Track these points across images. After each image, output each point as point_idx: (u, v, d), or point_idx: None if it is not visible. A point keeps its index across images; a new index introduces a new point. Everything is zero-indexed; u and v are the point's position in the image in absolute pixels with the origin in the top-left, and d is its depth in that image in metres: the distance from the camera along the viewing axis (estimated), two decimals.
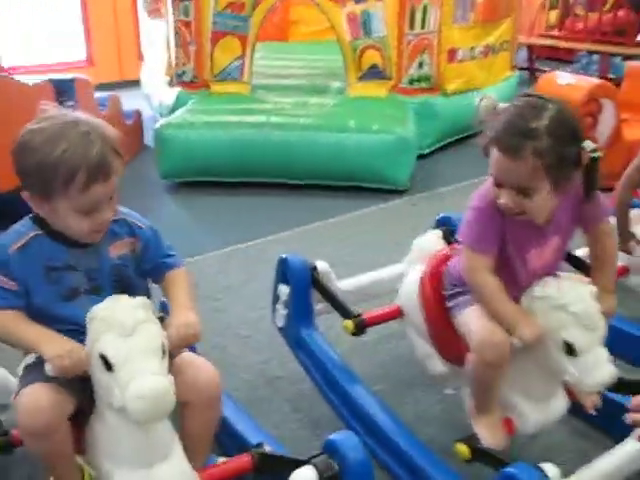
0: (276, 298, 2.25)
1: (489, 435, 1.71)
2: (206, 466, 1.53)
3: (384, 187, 4.18)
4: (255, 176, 4.28)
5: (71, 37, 7.56)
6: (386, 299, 2.24)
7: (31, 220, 1.48)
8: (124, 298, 1.40)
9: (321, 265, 2.20)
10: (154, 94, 5.56)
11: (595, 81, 4.04)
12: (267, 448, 1.58)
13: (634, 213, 2.66)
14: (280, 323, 2.25)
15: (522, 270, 1.72)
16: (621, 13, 7.62)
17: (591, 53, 7.68)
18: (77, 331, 1.40)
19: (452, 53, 4.91)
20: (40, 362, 1.41)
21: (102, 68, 7.17)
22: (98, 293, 1.47)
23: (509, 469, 1.48)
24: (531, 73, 7.77)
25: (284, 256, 2.22)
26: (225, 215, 3.93)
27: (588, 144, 1.61)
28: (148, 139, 5.01)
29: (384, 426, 1.89)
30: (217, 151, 4.21)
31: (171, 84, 5.14)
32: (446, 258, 1.97)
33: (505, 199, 1.60)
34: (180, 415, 1.52)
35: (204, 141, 4.21)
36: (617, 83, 4.62)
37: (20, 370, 1.51)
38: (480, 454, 1.68)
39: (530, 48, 8.18)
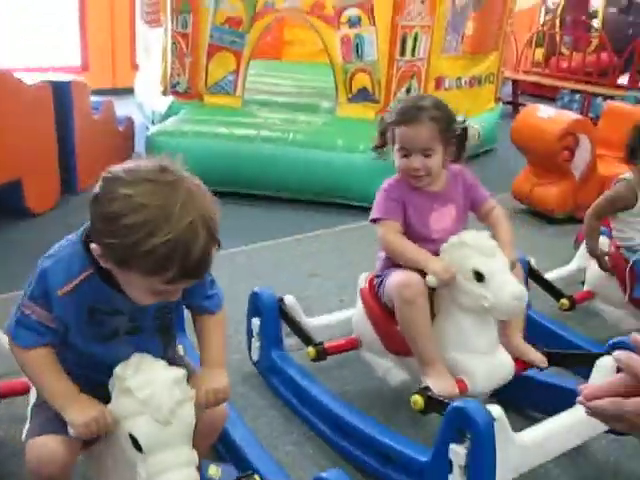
0: (250, 333, 2.41)
1: (438, 383, 1.88)
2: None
3: (368, 205, 4.29)
4: (243, 187, 4.39)
5: (67, 42, 7.67)
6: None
7: (85, 251, 1.31)
8: (160, 370, 1.32)
9: (288, 298, 2.37)
10: (147, 102, 5.67)
11: (574, 116, 4.22)
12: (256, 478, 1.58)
13: (601, 242, 2.82)
14: (255, 357, 2.40)
15: (425, 232, 2.04)
16: (604, 55, 7.90)
17: (574, 92, 7.92)
18: (110, 369, 1.34)
19: (439, 81, 5.08)
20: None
21: (96, 74, 7.27)
22: (136, 333, 1.43)
23: (457, 404, 1.63)
24: (514, 107, 7.99)
25: (255, 290, 2.39)
26: None
27: (460, 117, 2.08)
28: (138, 146, 5.11)
29: (359, 425, 1.98)
30: (206, 160, 4.30)
31: (165, 93, 5.24)
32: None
33: (415, 162, 2.00)
34: None
35: (194, 150, 4.31)
36: (596, 122, 4.81)
37: (34, 390, 1.51)
38: (434, 403, 1.82)
39: (515, 83, 8.42)
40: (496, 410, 1.64)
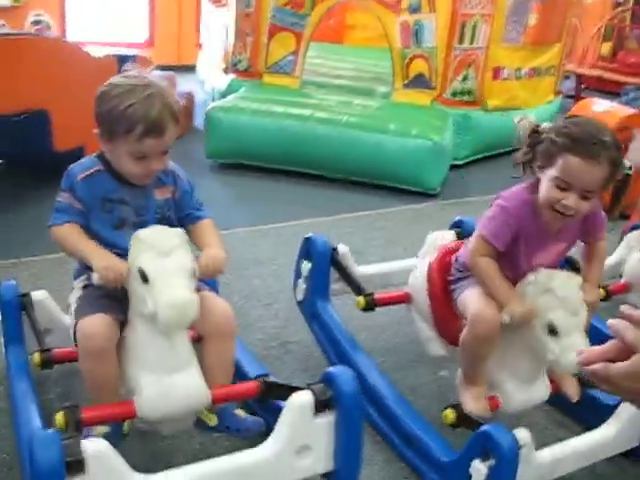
0: (298, 274, 2.45)
1: (474, 404, 1.89)
2: (217, 386, 1.70)
3: (417, 189, 4.38)
4: (296, 165, 4.50)
5: (136, 19, 7.90)
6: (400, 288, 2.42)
7: (97, 157, 1.76)
8: (164, 227, 1.65)
9: (341, 247, 2.41)
10: (208, 79, 5.83)
11: (628, 110, 4.17)
12: (272, 377, 1.79)
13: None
14: (300, 297, 2.45)
15: (524, 267, 1.91)
16: None
17: (639, 88, 7.74)
18: (121, 255, 1.65)
19: (497, 71, 5.07)
20: (89, 295, 1.70)
21: (161, 50, 7.47)
22: (143, 226, 1.69)
23: (486, 428, 1.66)
24: (576, 101, 7.86)
25: (309, 235, 2.43)
26: (262, 197, 4.16)
27: (625, 162, 1.84)
28: (198, 121, 5.26)
29: (382, 394, 2.06)
30: (262, 138, 4.45)
31: (226, 71, 5.38)
32: (454, 249, 2.16)
33: (571, 201, 1.76)
34: (199, 351, 1.72)
35: (251, 127, 4.45)
36: None
37: (72, 301, 1.77)
38: (465, 420, 1.85)
39: (579, 77, 8.28)
40: (523, 437, 1.66)
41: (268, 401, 1.82)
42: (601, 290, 2.66)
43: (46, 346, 1.97)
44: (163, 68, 5.91)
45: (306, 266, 2.40)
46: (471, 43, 4.71)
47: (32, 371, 2.01)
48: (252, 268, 3.12)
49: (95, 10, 7.65)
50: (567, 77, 8.35)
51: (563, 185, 1.76)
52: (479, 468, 1.64)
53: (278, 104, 4.59)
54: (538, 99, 5.71)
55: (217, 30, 5.76)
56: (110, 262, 1.62)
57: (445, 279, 2.11)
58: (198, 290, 1.63)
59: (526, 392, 1.94)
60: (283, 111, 4.52)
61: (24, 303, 2.10)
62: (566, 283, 1.81)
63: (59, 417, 1.56)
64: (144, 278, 1.54)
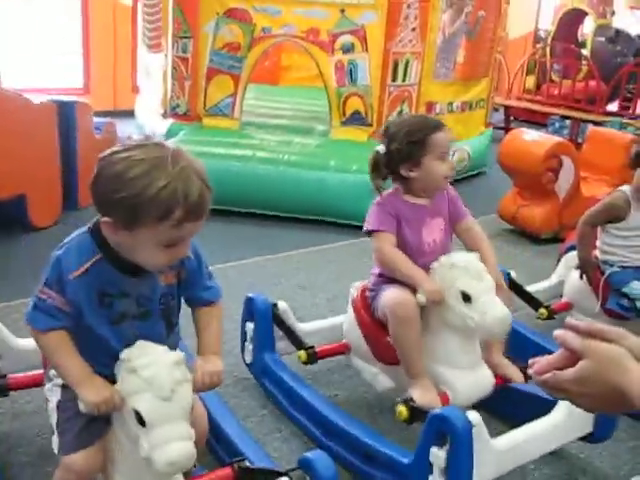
0: (244, 336, 2.52)
1: (422, 395, 2.00)
2: (192, 476, 1.67)
3: (359, 224, 4.44)
4: (238, 206, 4.54)
5: (70, 65, 7.87)
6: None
7: (93, 239, 1.47)
8: (162, 353, 1.45)
9: (281, 304, 2.50)
10: (147, 124, 5.84)
11: (556, 139, 4.39)
12: (247, 462, 1.72)
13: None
14: (248, 359, 2.52)
15: (418, 245, 2.15)
16: (593, 83, 8.12)
17: (564, 118, 8.12)
18: (117, 353, 1.47)
19: (430, 106, 5.26)
20: (71, 412, 1.52)
21: (98, 96, 7.44)
22: (145, 319, 1.54)
23: (437, 411, 1.75)
24: (506, 132, 8.14)
25: (250, 295, 2.51)
26: (207, 238, 4.11)
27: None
28: None
29: (344, 426, 2.09)
30: None
31: (165, 115, 5.41)
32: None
33: (451, 162, 2.19)
34: None
35: None
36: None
37: (53, 402, 1.59)
38: (418, 413, 1.94)
39: (507, 109, 8.63)
40: (474, 416, 1.75)
41: None
42: (544, 310, 2.79)
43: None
44: (100, 114, 5.91)
45: (250, 326, 2.48)
46: (404, 80, 4.89)
47: None
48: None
49: (29, 57, 7.59)
50: (496, 109, 8.68)
51: (442, 156, 2.12)
52: (437, 454, 1.72)
53: (219, 146, 4.64)
54: (470, 131, 5.94)
55: (155, 75, 5.80)
56: (102, 396, 1.42)
57: (368, 305, 2.26)
58: None
59: (469, 377, 2.05)
60: (224, 152, 4.57)
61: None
62: (464, 255, 2.07)
63: None
64: (140, 421, 1.39)
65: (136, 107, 6.63)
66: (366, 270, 2.50)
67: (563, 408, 2.01)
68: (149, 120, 5.81)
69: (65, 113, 4.15)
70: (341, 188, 4.39)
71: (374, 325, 2.21)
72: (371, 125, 4.97)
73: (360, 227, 4.30)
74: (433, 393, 2.02)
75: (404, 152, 2.13)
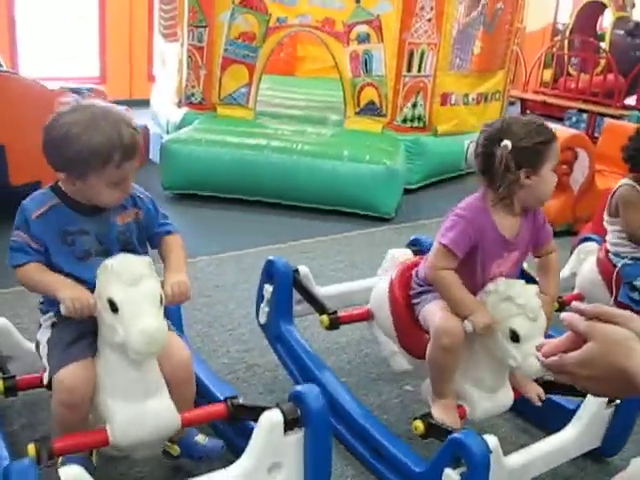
0: (261, 297, 2.48)
1: (444, 416, 1.93)
2: (187, 409, 1.74)
3: (372, 214, 4.47)
4: (252, 194, 4.55)
5: (87, 54, 7.91)
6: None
7: (51, 190, 1.73)
8: (131, 255, 1.66)
9: (302, 268, 2.46)
10: (162, 113, 5.86)
11: (571, 131, 4.36)
12: (240, 399, 1.82)
13: (590, 247, 2.96)
14: (262, 320, 2.47)
15: (481, 276, 1.98)
16: (611, 76, 8.03)
17: (581, 112, 8.06)
18: (88, 289, 1.64)
19: (445, 97, 5.24)
20: (59, 337, 1.69)
21: (114, 85, 7.47)
22: (107, 255, 1.69)
23: (456, 435, 1.72)
24: None
25: (270, 258, 2.47)
26: (220, 227, 4.19)
27: None
28: (153, 154, 5.29)
29: (350, 410, 2.11)
30: (217, 168, 4.49)
31: (179, 104, 5.43)
32: (414, 264, 2.23)
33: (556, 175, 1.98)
34: None
35: (206, 158, 4.49)
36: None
37: (43, 341, 1.74)
38: (434, 430, 1.90)
39: (523, 103, 8.57)
40: (492, 441, 1.72)
41: (237, 422, 1.85)
42: (555, 302, 2.76)
43: (9, 373, 1.96)
44: (116, 103, 5.93)
45: (268, 289, 2.43)
46: (419, 71, 4.87)
47: None
48: (214, 295, 3.15)
49: (47, 47, 7.63)
50: (512, 103, 8.63)
51: (555, 170, 1.96)
52: (451, 476, 1.68)
53: (233, 135, 4.65)
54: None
55: (170, 64, 5.81)
56: (77, 293, 1.60)
57: (406, 294, 2.17)
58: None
59: (491, 400, 2.00)
60: (238, 141, 4.58)
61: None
62: (524, 290, 1.89)
63: (31, 448, 1.56)
64: (113, 308, 1.55)
65: (151, 96, 6.65)
66: (378, 260, 2.51)
67: (578, 425, 2.03)
68: (164, 109, 5.83)
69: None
70: (354, 178, 4.39)
71: (411, 321, 2.13)
72: (385, 115, 4.97)
73: (373, 217, 4.41)
74: (454, 415, 1.96)
75: (530, 153, 1.89)
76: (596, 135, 6.77)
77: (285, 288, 2.41)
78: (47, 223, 1.68)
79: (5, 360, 2.05)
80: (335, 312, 2.33)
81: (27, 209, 1.69)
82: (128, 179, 1.71)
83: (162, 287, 1.66)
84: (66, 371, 1.61)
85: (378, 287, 2.34)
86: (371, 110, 4.91)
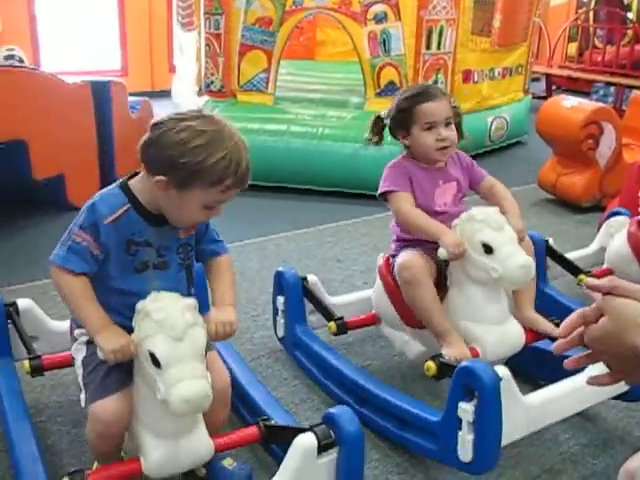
0: (275, 310, 2.52)
1: (451, 350, 1.99)
2: (221, 435, 1.70)
3: None
4: (274, 180, 4.54)
5: (108, 47, 7.95)
6: None
7: (122, 191, 1.61)
8: (175, 298, 1.53)
9: (311, 277, 2.49)
10: (183, 102, 5.87)
11: (596, 105, 4.26)
12: (272, 421, 1.78)
13: (620, 220, 2.90)
14: (280, 333, 2.50)
15: (431, 206, 2.18)
16: (638, 47, 7.85)
17: (608, 85, 7.89)
18: (136, 299, 1.55)
19: (467, 74, 5.16)
20: (96, 364, 1.59)
21: (135, 78, 7.51)
22: (163, 269, 1.64)
23: (465, 364, 1.72)
24: None
25: (280, 269, 2.49)
26: (243, 213, 4.15)
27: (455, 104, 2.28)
28: None
29: (377, 392, 2.07)
30: None
31: (200, 93, 5.42)
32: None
33: (442, 132, 2.14)
34: None
35: None
36: None
37: (78, 360, 1.67)
38: (446, 368, 1.92)
39: (548, 78, 8.42)
40: (502, 370, 1.74)
41: (272, 444, 1.83)
42: (583, 276, 2.70)
43: (35, 353, 1.98)
44: (138, 95, 5.95)
45: (280, 300, 2.47)
46: (438, 48, 4.80)
47: (23, 397, 2.00)
48: (238, 282, 3.10)
49: (68, 41, 7.69)
50: (537, 79, 8.49)
51: (429, 126, 2.14)
52: (465, 408, 1.69)
53: (253, 121, 4.64)
54: (509, 98, 5.81)
55: (189, 53, 5.81)
56: (119, 343, 1.50)
57: (391, 272, 2.25)
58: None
59: (498, 332, 2.04)
60: (259, 127, 4.57)
61: (10, 313, 2.10)
62: (483, 209, 2.05)
63: None
64: (155, 362, 1.45)
65: (172, 86, 6.67)
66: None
67: (597, 365, 1.96)
68: (185, 98, 5.83)
69: (100, 93, 4.17)
70: (375, 160, 4.32)
71: (398, 289, 2.20)
72: None
73: None
74: (462, 347, 2.02)
75: (396, 120, 2.23)
76: (624, 108, 6.62)
77: (295, 297, 2.45)
78: (117, 230, 1.57)
79: (31, 340, 2.07)
80: (341, 318, 2.37)
81: (100, 212, 1.57)
82: (221, 206, 1.61)
83: (207, 324, 1.56)
84: (103, 404, 1.55)
85: (375, 286, 2.42)
86: (391, 90, 4.83)
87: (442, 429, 1.81)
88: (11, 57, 5.52)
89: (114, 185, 1.64)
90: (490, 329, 2.03)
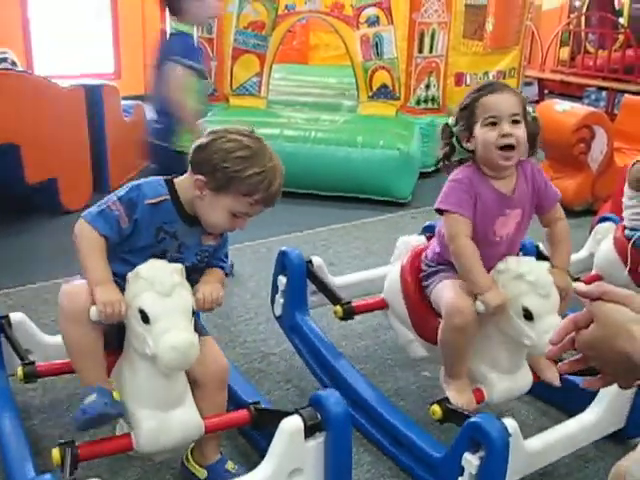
0: (275, 289, 2.47)
1: (459, 397, 1.91)
2: (210, 416, 1.73)
3: (388, 199, 4.44)
4: None
5: (101, 51, 7.93)
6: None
7: (166, 184, 1.73)
8: (163, 263, 1.63)
9: (315, 259, 2.45)
10: None
11: (588, 109, 4.28)
12: (262, 405, 1.81)
13: (606, 226, 2.92)
14: (278, 312, 2.46)
15: (490, 236, 1.96)
16: (630, 52, 7.88)
17: (600, 89, 7.92)
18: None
19: (459, 77, 5.18)
20: None
21: (128, 81, 7.49)
22: (179, 262, 1.69)
23: (474, 419, 1.69)
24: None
25: (283, 249, 2.45)
26: None
27: (530, 109, 2.01)
28: None
29: (367, 397, 2.09)
30: None
31: None
32: (424, 249, 2.20)
33: (506, 127, 1.88)
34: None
35: None
36: None
37: None
38: (452, 414, 1.87)
39: (541, 82, 8.45)
40: (511, 425, 1.70)
41: (261, 428, 1.84)
42: (574, 283, 2.70)
43: (28, 360, 1.96)
44: (131, 99, 5.94)
45: (282, 280, 2.42)
46: (430, 51, 4.82)
47: (14, 399, 2.00)
48: (230, 286, 3.13)
49: (61, 45, 7.67)
50: (530, 83, 8.51)
51: (492, 121, 1.89)
52: (470, 460, 1.66)
53: (246, 125, 4.62)
54: None
55: None
56: (111, 297, 1.58)
57: (417, 278, 2.15)
58: (197, 331, 1.61)
59: (509, 382, 1.97)
60: None
61: (3, 325, 2.09)
62: (535, 267, 1.87)
63: (55, 453, 1.56)
64: (144, 318, 1.53)
65: None
66: (395, 246, 2.48)
67: (599, 406, 1.99)
68: None
69: (93, 96, 4.17)
70: (369, 164, 4.36)
71: (423, 305, 2.11)
72: (399, 98, 4.92)
73: (389, 202, 4.37)
74: (469, 395, 1.94)
75: (459, 120, 1.98)
76: (616, 112, 6.65)
77: (299, 279, 2.40)
78: (153, 214, 1.69)
79: (25, 352, 2.05)
80: (349, 302, 2.31)
81: (143, 192, 1.69)
82: (247, 219, 1.74)
83: (195, 294, 1.67)
84: (71, 284, 1.68)
85: (391, 275, 2.32)
86: (384, 93, 4.86)
87: (442, 469, 1.79)
88: (4, 60, 5.49)
89: (158, 177, 1.76)
90: (502, 378, 1.96)
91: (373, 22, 4.67)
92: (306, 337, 2.35)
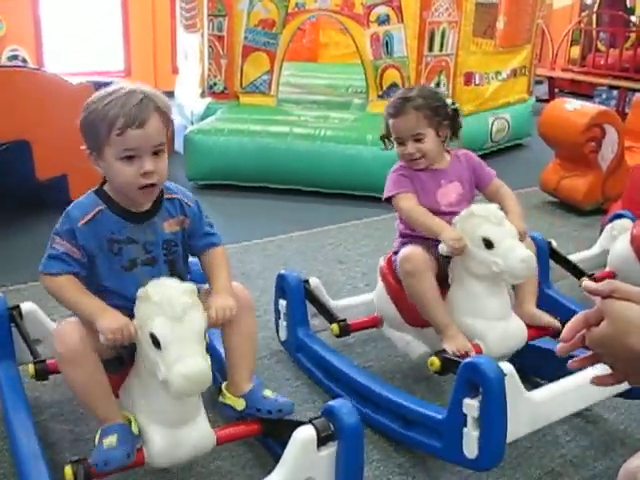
0: (278, 314, 2.52)
1: (452, 344, 2.01)
2: (221, 427, 1.73)
3: None
4: (276, 182, 4.55)
5: (111, 48, 7.97)
6: None
7: (96, 194, 1.65)
8: (174, 282, 1.55)
9: (313, 280, 2.50)
10: (186, 104, 5.88)
11: (599, 108, 4.26)
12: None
13: (622, 224, 2.90)
14: (283, 336, 2.51)
15: (435, 206, 2.19)
16: None
17: (611, 88, 7.89)
18: (130, 301, 1.56)
19: (469, 76, 5.16)
20: None
21: (138, 79, 7.48)
22: (152, 265, 1.66)
23: (469, 359, 1.73)
24: None
25: (281, 272, 2.49)
26: (245, 215, 4.20)
27: (449, 101, 2.30)
28: (177, 145, 5.31)
29: (380, 391, 2.07)
30: (241, 157, 4.50)
31: (203, 95, 5.44)
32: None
33: (409, 148, 2.19)
34: (223, 335, 1.78)
35: (230, 147, 4.50)
36: None
37: None
38: (449, 363, 1.93)
39: (551, 81, 8.42)
40: (507, 366, 1.74)
41: (274, 438, 1.85)
42: (587, 280, 2.69)
43: (39, 357, 1.98)
44: None
45: (283, 304, 2.47)
46: (440, 50, 4.81)
47: (24, 390, 2.02)
48: (239, 283, 3.14)
49: (72, 42, 7.71)
50: (540, 82, 8.49)
51: (400, 141, 2.22)
52: (470, 405, 1.69)
53: (256, 123, 4.65)
54: (511, 99, 5.82)
55: (192, 55, 5.82)
56: (118, 323, 1.51)
57: (393, 271, 2.27)
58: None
59: (500, 329, 2.04)
60: (261, 129, 4.58)
61: (14, 316, 2.11)
62: (483, 206, 2.08)
63: (68, 471, 1.55)
64: (156, 343, 1.48)
65: (175, 88, 6.68)
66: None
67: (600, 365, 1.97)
68: (188, 100, 5.84)
69: None
70: (378, 162, 4.34)
71: (400, 288, 2.21)
72: None
73: None
74: (462, 339, 2.02)
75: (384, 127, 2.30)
76: (627, 111, 6.62)
77: (298, 300, 2.45)
78: (94, 230, 1.60)
79: (35, 344, 2.07)
80: (344, 320, 2.37)
81: (72, 216, 1.60)
82: (142, 157, 1.56)
83: (207, 310, 1.60)
84: (63, 322, 1.63)
85: (377, 288, 2.43)
86: (394, 92, 4.83)
87: (447, 427, 1.80)
88: (15, 57, 5.54)
89: (89, 191, 1.68)
90: (492, 325, 2.04)
91: (383, 20, 4.66)
92: (313, 352, 2.37)
